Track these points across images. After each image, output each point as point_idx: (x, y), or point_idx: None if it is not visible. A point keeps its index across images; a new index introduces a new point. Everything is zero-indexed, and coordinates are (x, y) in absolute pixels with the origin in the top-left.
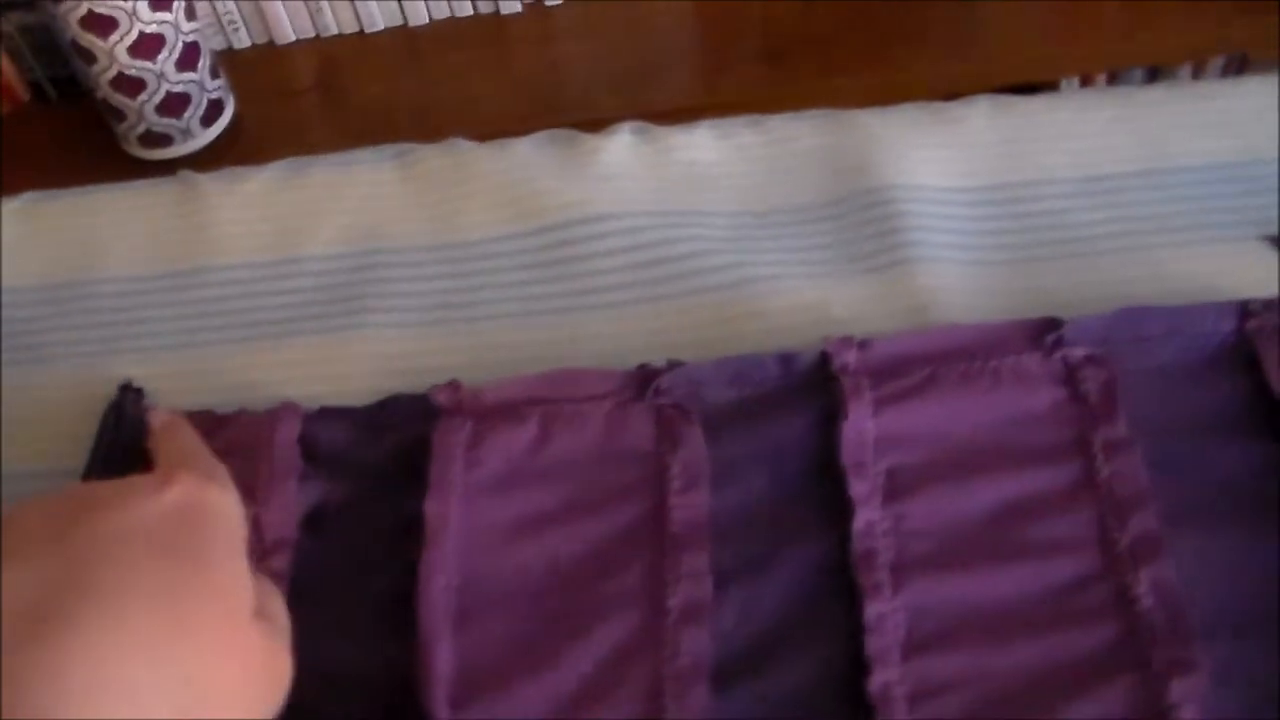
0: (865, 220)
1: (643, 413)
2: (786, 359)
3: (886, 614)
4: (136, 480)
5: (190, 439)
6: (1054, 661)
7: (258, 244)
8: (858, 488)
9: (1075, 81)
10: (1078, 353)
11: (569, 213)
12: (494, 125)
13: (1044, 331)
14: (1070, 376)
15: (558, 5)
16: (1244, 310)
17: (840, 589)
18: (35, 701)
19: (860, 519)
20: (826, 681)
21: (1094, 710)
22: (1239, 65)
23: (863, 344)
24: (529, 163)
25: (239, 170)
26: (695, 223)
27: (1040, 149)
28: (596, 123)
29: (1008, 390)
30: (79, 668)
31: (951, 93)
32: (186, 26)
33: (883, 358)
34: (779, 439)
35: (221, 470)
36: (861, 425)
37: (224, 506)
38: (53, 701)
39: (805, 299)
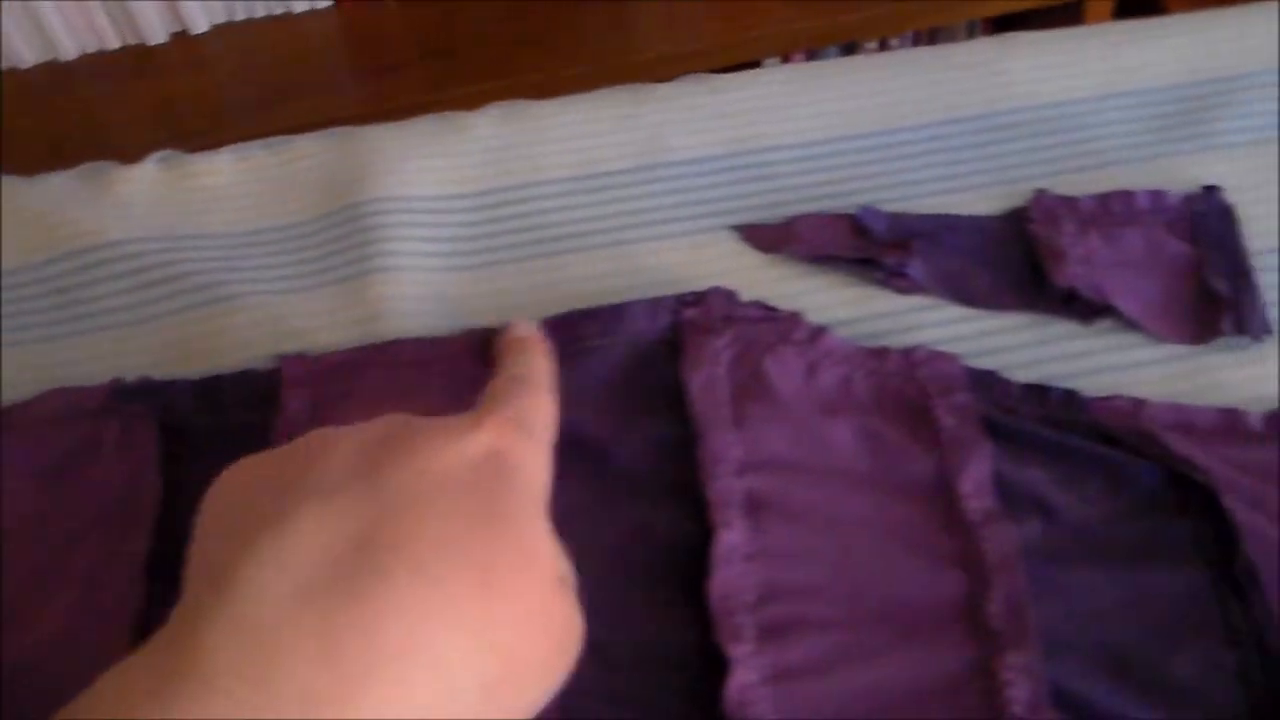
0: (344, 234)
1: None
2: (243, 377)
3: None
4: (450, 421)
5: (537, 367)
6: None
7: None
8: None
9: None
10: None
11: (78, 242)
12: (128, 154)
13: (487, 340)
14: None
15: (204, 32)
16: (678, 303)
17: None
18: (346, 665)
19: None
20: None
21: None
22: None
23: (307, 358)
24: (56, 195)
25: None
26: (193, 246)
27: (542, 151)
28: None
29: (440, 400)
30: (393, 630)
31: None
32: None
33: (324, 370)
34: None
35: (542, 416)
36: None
37: (531, 460)
38: (364, 667)
39: (269, 314)
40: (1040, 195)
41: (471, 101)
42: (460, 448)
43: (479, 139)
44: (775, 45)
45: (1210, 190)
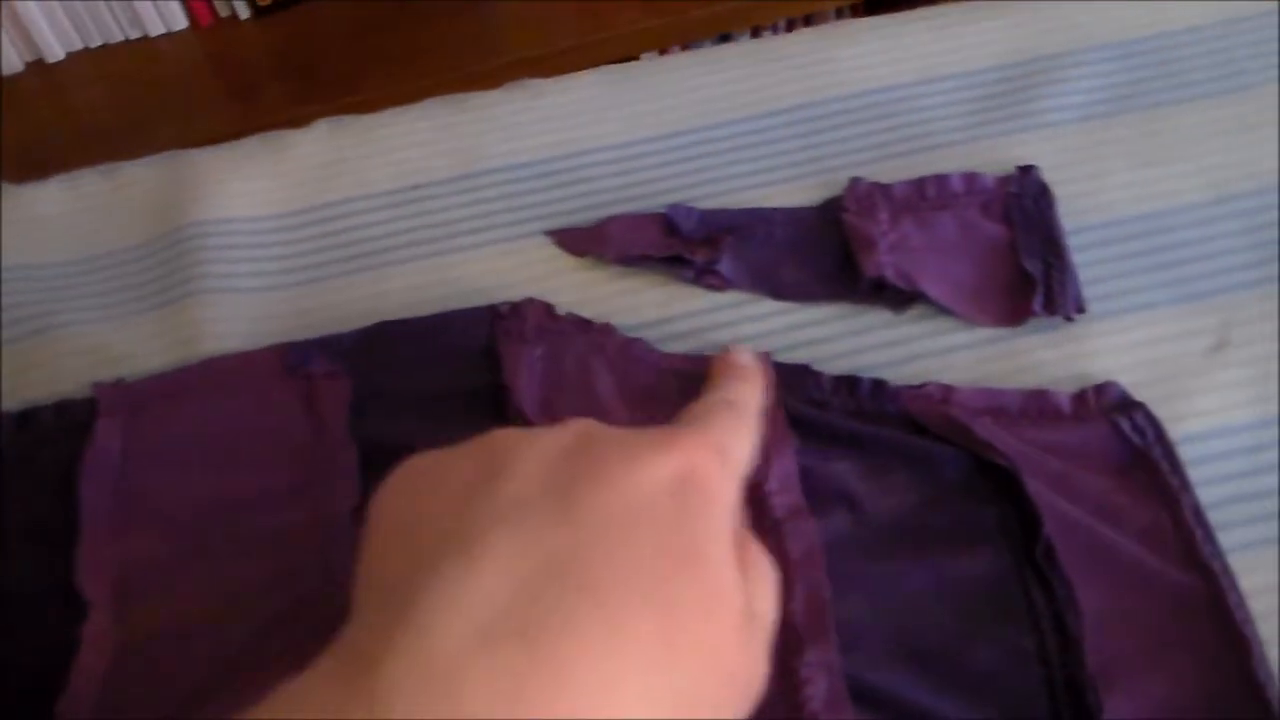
0: (168, 259)
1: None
2: (61, 407)
3: None
4: (644, 436)
5: (749, 396)
6: None
7: None
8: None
9: None
10: (318, 370)
11: None
12: None
13: (291, 354)
14: (310, 395)
15: (60, 60)
16: (494, 314)
17: None
18: (527, 707)
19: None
20: None
21: None
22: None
23: (120, 385)
24: None
25: None
26: (23, 276)
27: (365, 165)
28: None
29: (252, 413)
30: (578, 680)
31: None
32: None
33: (135, 396)
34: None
35: (743, 446)
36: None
37: (724, 489)
38: (545, 711)
39: (92, 343)
40: (855, 183)
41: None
42: (654, 469)
43: (303, 156)
44: (632, 44)
45: (1026, 170)
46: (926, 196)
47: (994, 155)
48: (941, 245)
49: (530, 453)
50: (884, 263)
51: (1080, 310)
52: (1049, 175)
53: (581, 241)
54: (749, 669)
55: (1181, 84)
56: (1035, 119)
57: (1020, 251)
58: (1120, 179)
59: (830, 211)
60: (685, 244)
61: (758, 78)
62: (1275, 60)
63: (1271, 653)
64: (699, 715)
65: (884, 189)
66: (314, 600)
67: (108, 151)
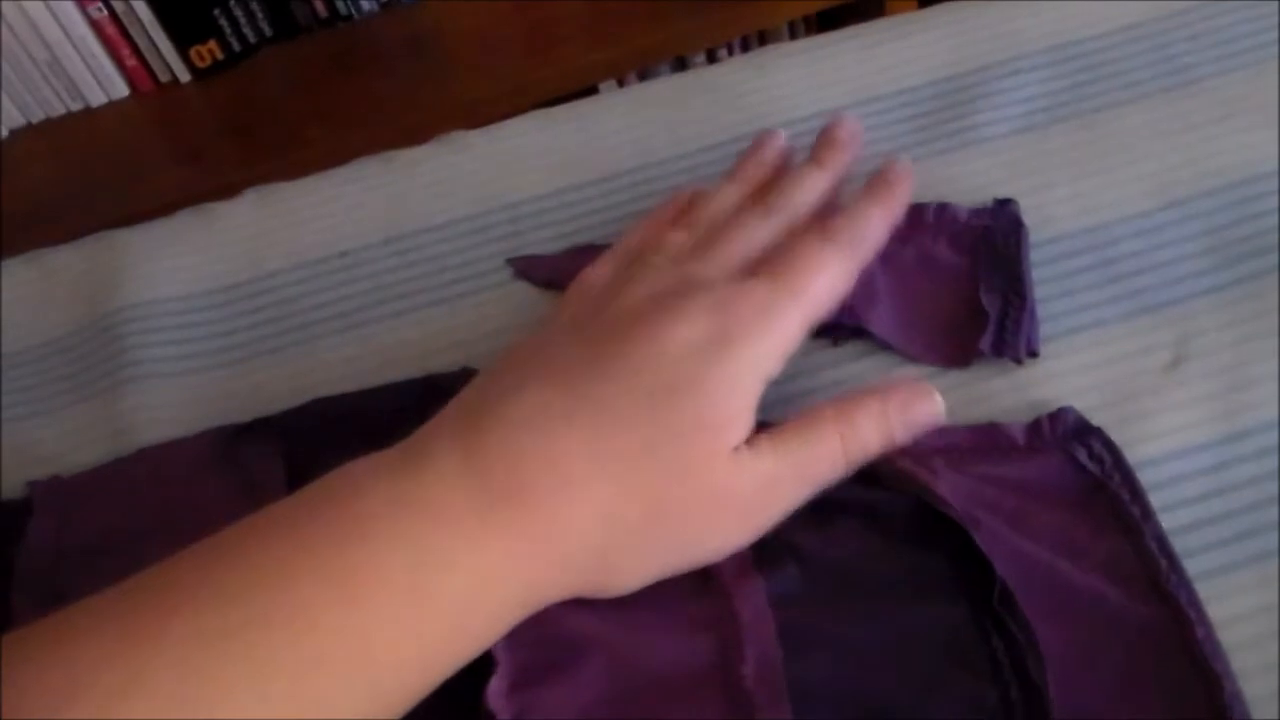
0: (96, 347)
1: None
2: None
3: None
4: (670, 289)
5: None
6: None
7: None
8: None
9: None
10: (252, 453)
11: None
12: None
13: (223, 440)
14: (247, 481)
15: (3, 138)
16: (428, 384)
17: None
18: (530, 475)
19: None
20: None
21: None
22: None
23: (55, 481)
24: None
25: None
26: None
27: (292, 235)
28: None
29: (188, 503)
30: (562, 468)
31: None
32: None
33: (68, 492)
34: None
35: (791, 301)
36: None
37: (757, 347)
38: (544, 488)
39: (22, 440)
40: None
41: (282, 175)
42: (680, 331)
43: (231, 229)
44: (583, 77)
45: (1004, 204)
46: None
47: (932, 175)
48: (897, 277)
49: (563, 327)
50: None
51: (1032, 354)
52: (991, 191)
53: (544, 270)
54: (745, 499)
55: (1121, 85)
56: (972, 134)
57: (980, 285)
58: (1062, 191)
59: None
60: None
61: (690, 112)
62: (1217, 53)
63: (1247, 686)
64: (669, 520)
65: None
66: None
67: (60, 228)
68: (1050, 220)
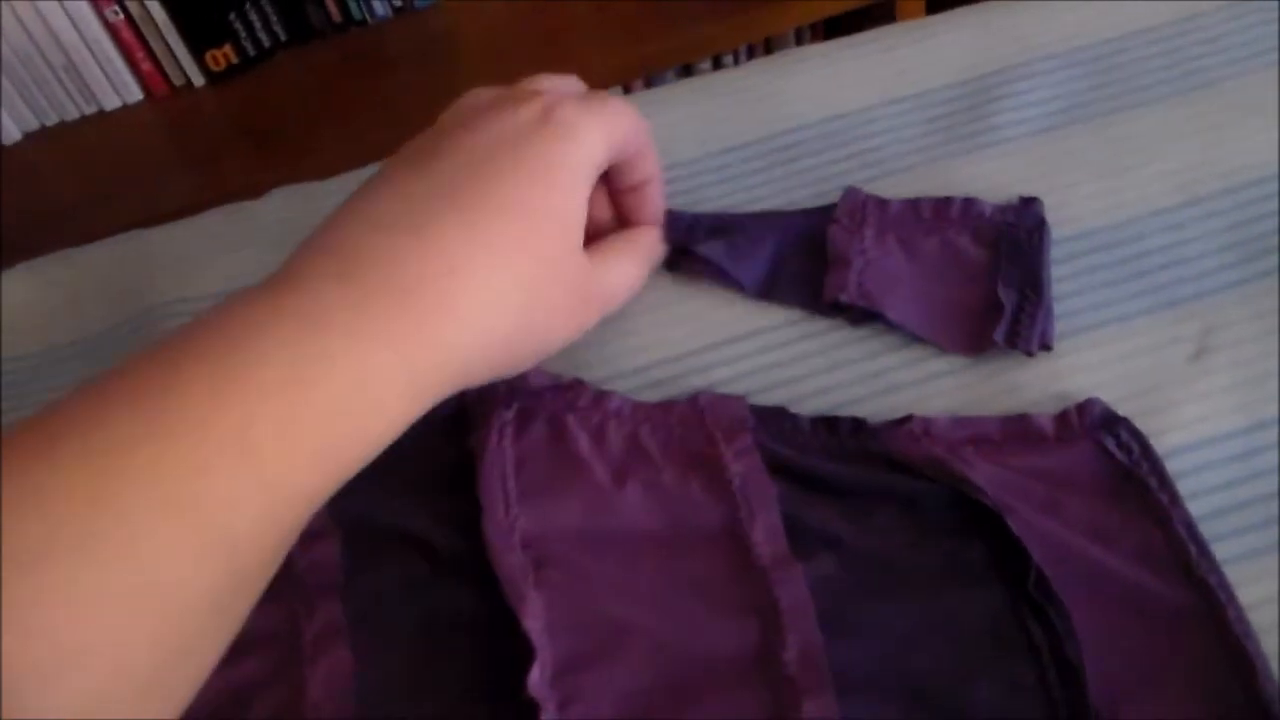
0: (127, 346)
1: None
2: None
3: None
4: (508, 94)
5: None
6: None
7: None
8: None
9: None
10: None
11: None
12: None
13: None
14: None
15: (17, 141)
16: None
17: None
18: (403, 270)
19: None
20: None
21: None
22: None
23: None
24: None
25: None
26: None
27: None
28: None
29: None
30: (440, 258)
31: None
32: None
33: None
34: None
35: (608, 108)
36: None
37: (585, 123)
38: (417, 275)
39: None
40: (849, 193)
41: (296, 179)
42: (511, 116)
43: (260, 227)
44: (593, 83)
45: (1029, 201)
46: (921, 217)
47: (954, 176)
48: (919, 265)
49: (435, 127)
50: (849, 283)
51: (1046, 348)
52: (1011, 191)
53: None
54: (584, 282)
55: (1138, 87)
56: (992, 135)
57: (999, 279)
58: (1085, 190)
59: (820, 218)
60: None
61: (713, 114)
62: (1234, 55)
63: (1275, 667)
64: (538, 312)
65: (880, 203)
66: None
67: (73, 231)
68: (1074, 218)
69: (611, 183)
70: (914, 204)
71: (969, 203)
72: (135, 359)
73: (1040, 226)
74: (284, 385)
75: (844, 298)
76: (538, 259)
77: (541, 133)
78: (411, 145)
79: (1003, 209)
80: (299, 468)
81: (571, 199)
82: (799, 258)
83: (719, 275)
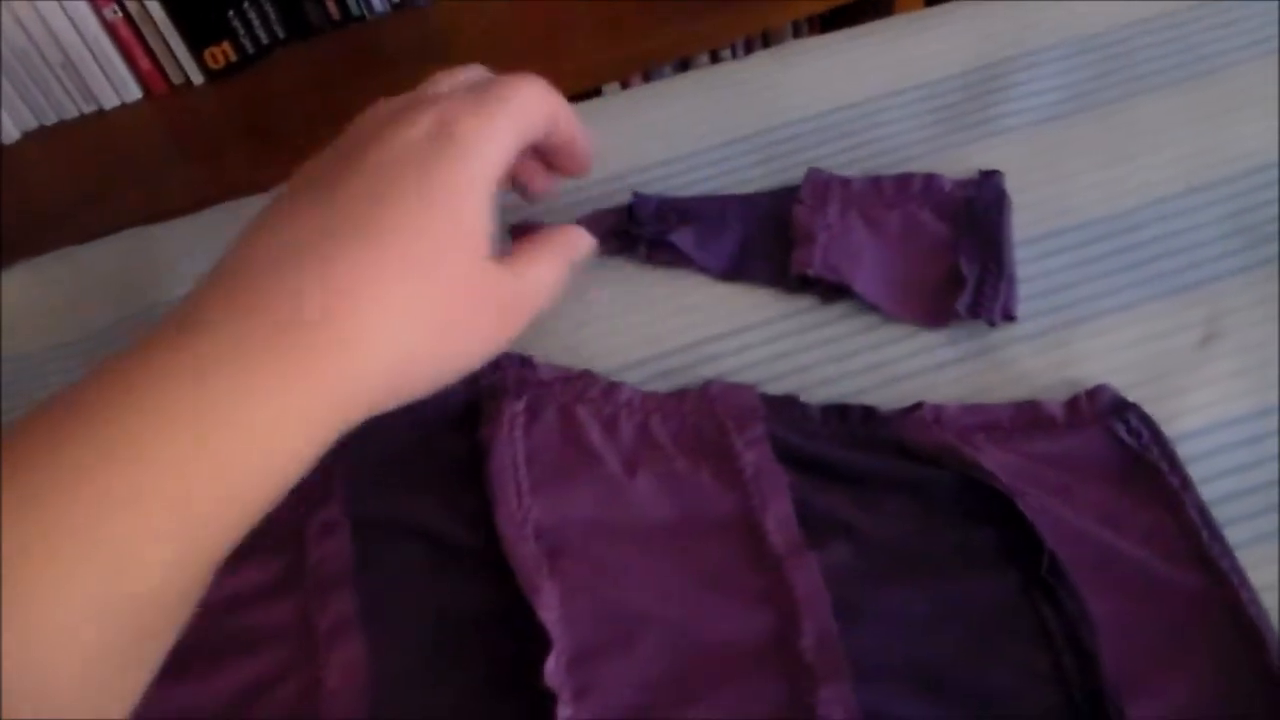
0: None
1: None
2: None
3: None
4: (407, 106)
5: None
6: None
7: None
8: None
9: None
10: None
11: None
12: None
13: None
14: None
15: (16, 140)
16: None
17: None
18: (309, 302)
19: None
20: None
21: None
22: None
23: None
24: None
25: None
26: None
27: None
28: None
29: None
30: (344, 289)
31: None
32: None
33: None
34: None
35: (510, 105)
36: None
37: (479, 143)
38: (321, 307)
39: None
40: (812, 173)
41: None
42: (406, 133)
43: None
44: (591, 77)
45: (988, 175)
46: (884, 193)
47: (957, 166)
48: (882, 240)
49: (333, 147)
50: (814, 258)
51: (1009, 318)
52: (1015, 181)
53: None
54: (498, 295)
55: (1139, 76)
56: (995, 125)
57: (960, 253)
58: (1088, 179)
59: (785, 199)
60: (636, 223)
61: (714, 107)
62: (1235, 44)
63: None
64: (453, 329)
65: (843, 181)
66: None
67: (73, 229)
68: (1078, 207)
69: (537, 145)
70: (876, 181)
71: (930, 178)
72: (31, 416)
73: (1000, 199)
74: (180, 437)
75: (810, 271)
76: (446, 278)
77: (439, 152)
78: (312, 166)
79: (963, 183)
80: (200, 517)
81: (474, 215)
82: (766, 238)
83: (689, 262)
